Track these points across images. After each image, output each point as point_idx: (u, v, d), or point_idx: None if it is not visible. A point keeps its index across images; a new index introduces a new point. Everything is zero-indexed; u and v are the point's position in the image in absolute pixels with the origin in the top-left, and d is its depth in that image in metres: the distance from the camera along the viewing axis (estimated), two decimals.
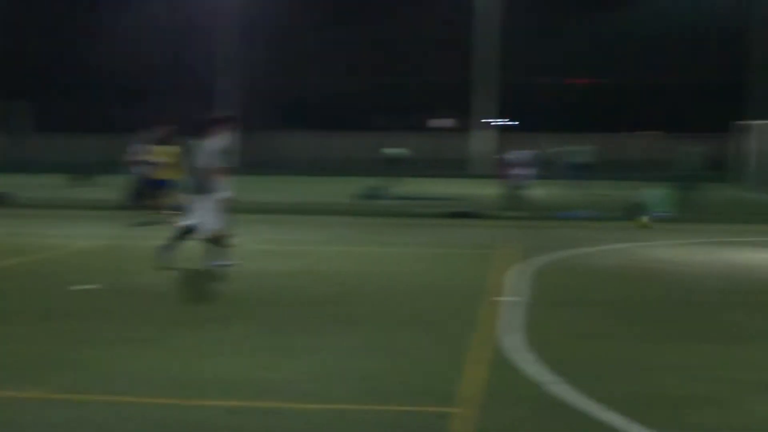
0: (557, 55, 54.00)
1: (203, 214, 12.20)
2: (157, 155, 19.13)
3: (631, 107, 56.18)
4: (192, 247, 12.65)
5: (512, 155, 21.95)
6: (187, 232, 12.45)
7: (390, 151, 34.57)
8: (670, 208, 21.47)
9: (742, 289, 11.60)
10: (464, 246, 15.99)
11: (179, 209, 13.44)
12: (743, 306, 10.43)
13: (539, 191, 26.44)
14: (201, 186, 12.26)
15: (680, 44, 47.96)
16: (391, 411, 6.20)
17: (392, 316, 9.49)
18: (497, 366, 7.42)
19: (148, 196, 19.33)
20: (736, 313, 10.00)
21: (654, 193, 21.47)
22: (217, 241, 12.50)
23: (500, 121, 49.46)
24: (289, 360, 7.57)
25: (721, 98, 43.18)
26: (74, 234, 16.96)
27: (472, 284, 11.60)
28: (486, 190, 27.88)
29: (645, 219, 19.21)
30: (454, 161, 44.84)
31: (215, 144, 12.62)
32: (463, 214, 21.03)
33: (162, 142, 19.20)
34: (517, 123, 58.39)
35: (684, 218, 21.12)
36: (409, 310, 9.90)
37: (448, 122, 60.51)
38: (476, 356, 7.72)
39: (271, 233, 17.30)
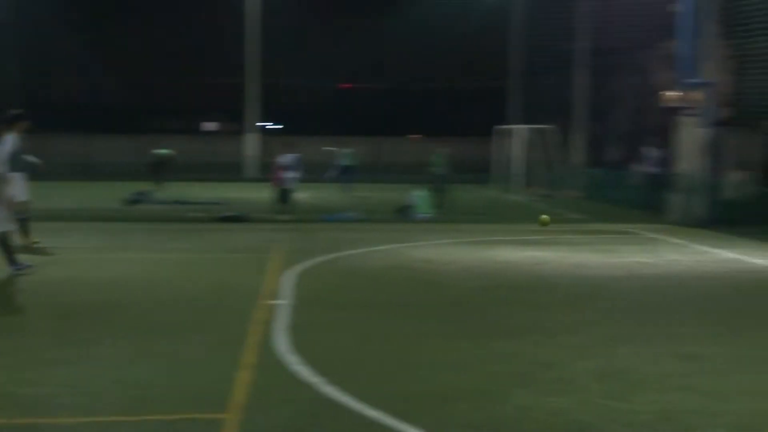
0: (327, 59, 54.69)
1: None
2: None
3: (401, 111, 57.75)
4: None
5: (282, 158, 22.08)
6: None
7: (158, 151, 33.85)
8: (430, 210, 22.29)
9: (503, 286, 12.26)
10: (234, 250, 15.95)
11: None
12: (504, 302, 11.04)
13: (306, 194, 26.76)
14: None
15: (448, 51, 49.73)
16: (160, 420, 6.16)
17: (163, 323, 9.38)
18: (268, 369, 7.51)
19: None
20: (497, 309, 10.56)
21: (418, 195, 22.23)
22: (4, 245, 12.30)
23: (269, 125, 49.61)
24: (54, 373, 7.34)
25: (486, 103, 45.13)
26: None
27: (244, 289, 11.63)
28: (257, 194, 27.91)
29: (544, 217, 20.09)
30: (227, 165, 44.63)
31: (5, 146, 12.28)
32: (234, 218, 20.96)
33: None
34: (281, 126, 58.87)
35: (445, 219, 22.00)
36: (181, 316, 9.82)
37: (214, 125, 60.50)
38: (248, 361, 7.78)
39: (41, 240, 16.55)
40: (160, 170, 33.51)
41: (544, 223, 18.76)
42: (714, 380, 7.36)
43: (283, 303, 10.61)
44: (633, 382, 7.28)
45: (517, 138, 34.79)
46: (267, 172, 31.63)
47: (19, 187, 13.91)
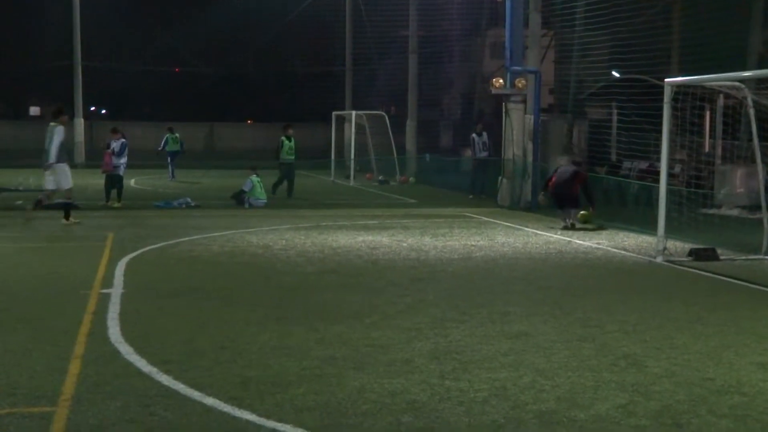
0: (159, 43, 53.52)
1: None
2: None
3: (237, 97, 57.16)
4: None
5: (112, 144, 21.49)
6: None
7: None
8: (264, 195, 22.18)
9: (338, 271, 12.33)
10: (63, 239, 15.43)
11: None
12: (339, 287, 11.11)
13: (134, 180, 26.14)
14: None
15: (285, 36, 49.43)
16: None
17: None
18: (100, 360, 7.32)
19: None
20: (333, 294, 10.62)
21: (254, 180, 22.07)
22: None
23: (94, 109, 48.17)
24: None
25: (323, 89, 45.10)
26: None
27: (74, 278, 11.29)
28: (88, 180, 27.04)
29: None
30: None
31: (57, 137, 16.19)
32: (62, 205, 20.21)
33: None
34: (105, 111, 57.39)
35: (282, 205, 21.96)
36: (7, 307, 9.43)
37: (36, 110, 58.50)
38: (78, 351, 7.56)
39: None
40: None
41: (586, 220, 18.22)
42: (541, 357, 7.64)
43: (116, 292, 10.35)
44: (466, 361, 7.47)
45: (351, 124, 35.02)
46: (96, 158, 30.74)
47: (65, 175, 16.70)
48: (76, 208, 20.16)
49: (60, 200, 17.31)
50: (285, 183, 24.94)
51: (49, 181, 17.03)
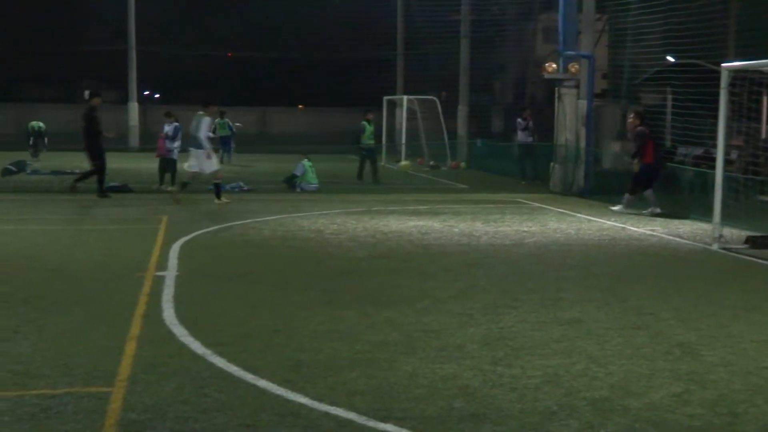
0: (213, 28, 53.85)
1: None
2: None
3: (287, 82, 57.29)
4: None
5: (166, 128, 21.71)
6: None
7: (33, 123, 32.64)
8: (316, 179, 22.22)
9: (390, 255, 12.34)
10: (119, 222, 15.63)
11: None
12: (391, 271, 11.11)
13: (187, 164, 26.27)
14: None
15: (335, 22, 49.40)
16: (43, 395, 6.01)
17: (46, 296, 9.14)
18: (155, 341, 7.41)
19: None
20: (384, 278, 10.63)
21: (306, 165, 22.14)
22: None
23: (148, 94, 48.51)
24: None
25: (373, 74, 45.04)
26: None
27: (129, 260, 11.42)
28: (142, 164, 27.37)
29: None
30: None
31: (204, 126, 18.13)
32: (118, 188, 20.48)
33: None
34: (158, 95, 57.84)
35: (331, 189, 22.01)
36: (65, 288, 9.59)
37: (87, 94, 59.00)
38: (134, 333, 7.66)
39: None
40: (36, 141, 32.40)
41: (405, 169, 19.36)
42: (595, 344, 7.59)
43: (170, 274, 10.46)
44: (518, 347, 7.44)
45: (403, 109, 34.93)
46: (149, 142, 31.06)
47: (207, 160, 18.40)
48: (131, 191, 20.45)
49: (185, 180, 19.01)
50: (372, 166, 25.22)
51: (192, 165, 18.60)
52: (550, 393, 6.24)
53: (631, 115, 18.68)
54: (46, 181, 21.29)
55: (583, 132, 22.47)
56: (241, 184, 22.13)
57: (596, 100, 25.55)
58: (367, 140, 25.49)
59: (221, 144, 32.92)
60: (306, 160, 22.22)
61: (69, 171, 22.11)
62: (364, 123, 25.66)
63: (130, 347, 7.21)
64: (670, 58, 28.08)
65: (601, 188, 21.38)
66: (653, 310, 8.95)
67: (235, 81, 57.09)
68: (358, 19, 46.35)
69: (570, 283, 10.52)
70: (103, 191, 19.20)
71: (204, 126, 18.24)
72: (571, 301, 9.37)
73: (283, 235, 14.10)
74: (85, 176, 19.56)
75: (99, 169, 19.21)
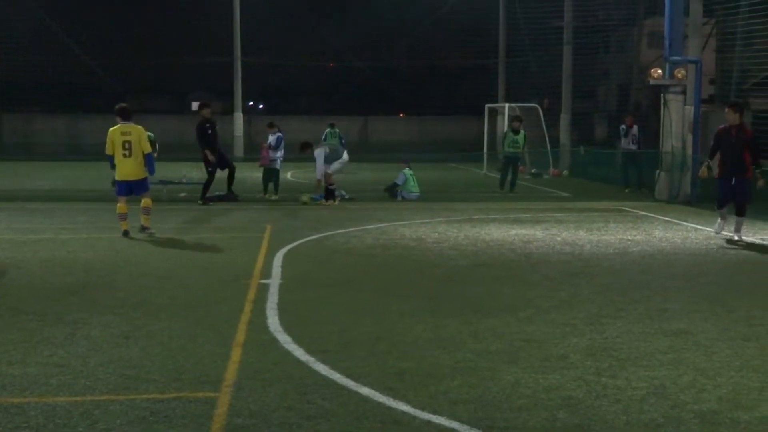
0: (314, 38, 54.53)
1: None
2: None
3: (388, 91, 57.61)
4: None
5: (270, 138, 22.07)
6: None
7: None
8: (417, 188, 22.26)
9: (492, 264, 12.29)
10: (223, 230, 15.94)
11: None
12: (493, 280, 11.07)
13: (290, 173, 26.70)
14: None
15: (435, 30, 49.48)
16: (152, 399, 6.17)
17: (154, 303, 9.38)
18: (259, 348, 7.54)
19: None
20: (486, 286, 10.59)
21: (407, 174, 22.21)
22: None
23: (252, 104, 49.29)
24: (42, 353, 7.33)
25: (473, 81, 45.01)
26: None
27: (234, 268, 11.64)
28: (246, 173, 27.82)
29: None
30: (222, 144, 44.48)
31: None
32: (222, 197, 20.89)
33: None
34: (262, 106, 58.77)
35: (433, 198, 22.01)
36: (171, 295, 9.82)
37: (196, 105, 60.29)
38: (239, 339, 7.80)
39: (25, 222, 16.52)
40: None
41: (304, 202, 20.44)
42: (702, 356, 7.42)
43: (274, 282, 10.62)
44: (623, 358, 7.33)
45: (505, 116, 34.74)
46: (253, 151, 31.56)
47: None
48: (236, 200, 20.84)
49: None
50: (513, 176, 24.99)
51: (335, 170, 20.51)
52: (656, 405, 6.13)
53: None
54: (155, 191, 21.80)
55: (689, 139, 21.99)
56: (343, 192, 22.32)
57: (704, 106, 24.97)
58: (508, 148, 25.21)
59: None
60: (407, 168, 22.30)
61: (177, 181, 22.64)
62: (508, 131, 25.69)
63: (236, 353, 7.35)
64: None
65: (708, 196, 20.84)
66: (763, 321, 8.70)
67: (337, 90, 57.71)
68: (460, 26, 46.33)
69: (676, 293, 10.30)
70: (206, 199, 19.76)
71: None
72: (678, 311, 9.18)
73: (385, 244, 14.17)
74: (205, 189, 20.15)
75: (209, 179, 19.92)
